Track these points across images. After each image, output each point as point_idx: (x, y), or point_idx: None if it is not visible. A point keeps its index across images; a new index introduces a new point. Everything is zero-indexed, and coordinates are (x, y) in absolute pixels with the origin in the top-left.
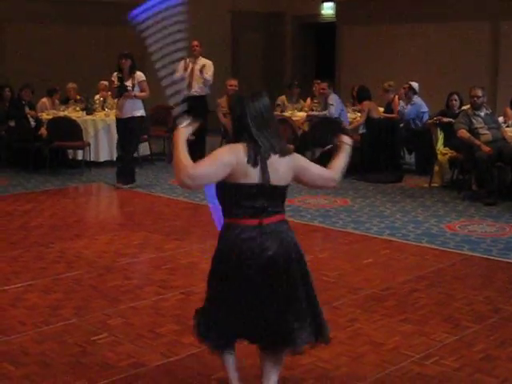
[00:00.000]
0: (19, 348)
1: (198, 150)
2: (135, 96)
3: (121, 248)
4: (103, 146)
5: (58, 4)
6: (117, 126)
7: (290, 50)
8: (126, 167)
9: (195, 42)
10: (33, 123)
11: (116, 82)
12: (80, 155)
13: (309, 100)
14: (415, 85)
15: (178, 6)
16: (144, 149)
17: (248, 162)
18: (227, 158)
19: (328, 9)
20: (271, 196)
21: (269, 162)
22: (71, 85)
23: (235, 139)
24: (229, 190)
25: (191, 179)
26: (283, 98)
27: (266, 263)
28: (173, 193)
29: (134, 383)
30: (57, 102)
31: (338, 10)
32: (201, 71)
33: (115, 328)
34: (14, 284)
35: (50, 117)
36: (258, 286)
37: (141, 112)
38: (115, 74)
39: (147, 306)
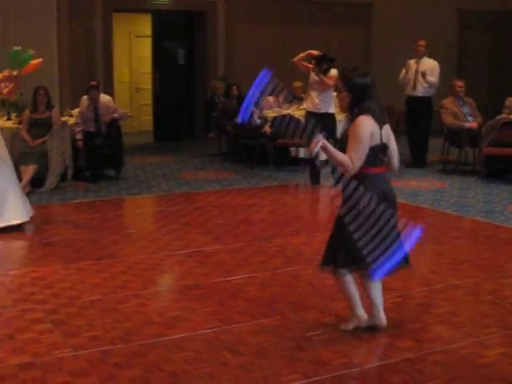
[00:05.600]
0: (238, 338)
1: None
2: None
3: None
4: None
5: (286, 4)
6: (307, 120)
7: None
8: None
9: (421, 42)
10: (258, 121)
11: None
12: (302, 153)
13: None
14: None
15: None
16: None
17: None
18: (368, 134)
19: None
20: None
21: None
22: (297, 83)
23: (359, 113)
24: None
25: (355, 169)
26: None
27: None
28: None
29: (346, 383)
30: (282, 100)
31: None
32: (423, 74)
33: (330, 326)
34: (235, 275)
35: (275, 114)
36: None
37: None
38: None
39: (363, 306)
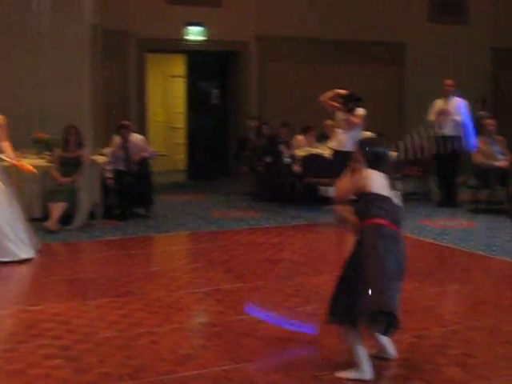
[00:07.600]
0: (247, 377)
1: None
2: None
3: None
4: None
5: (318, 43)
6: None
7: None
8: None
9: (448, 82)
10: (287, 160)
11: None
12: (330, 192)
13: None
14: None
15: None
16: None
17: None
18: None
19: None
20: None
21: None
22: (328, 122)
23: None
24: None
25: None
26: None
27: None
28: (420, 234)
29: None
30: (312, 138)
31: None
32: (445, 112)
33: (340, 365)
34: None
35: (304, 153)
36: None
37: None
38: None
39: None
